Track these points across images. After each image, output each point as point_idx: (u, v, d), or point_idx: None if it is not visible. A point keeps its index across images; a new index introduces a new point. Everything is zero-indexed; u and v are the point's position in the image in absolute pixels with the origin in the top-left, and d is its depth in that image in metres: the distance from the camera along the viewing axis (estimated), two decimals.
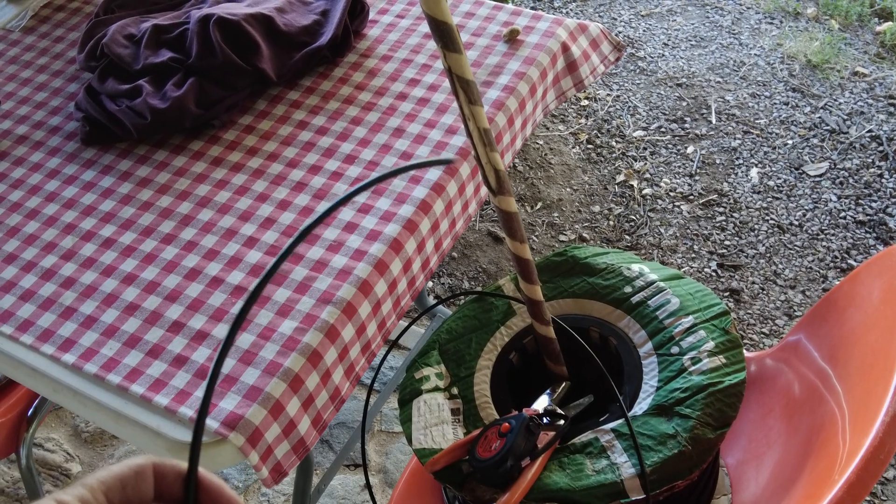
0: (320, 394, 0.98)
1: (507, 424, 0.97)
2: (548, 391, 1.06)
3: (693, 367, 1.00)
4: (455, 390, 1.08)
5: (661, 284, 1.11)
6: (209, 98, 1.23)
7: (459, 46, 0.82)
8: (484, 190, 1.21)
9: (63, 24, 1.48)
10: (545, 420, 1.00)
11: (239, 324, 0.46)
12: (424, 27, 1.36)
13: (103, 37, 1.30)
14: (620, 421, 0.99)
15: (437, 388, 1.09)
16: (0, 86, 1.37)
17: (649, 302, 1.09)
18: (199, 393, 0.94)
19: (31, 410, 1.39)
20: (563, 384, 1.07)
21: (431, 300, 2.15)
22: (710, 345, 1.02)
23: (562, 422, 1.00)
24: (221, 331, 0.99)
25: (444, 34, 0.81)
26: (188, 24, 1.28)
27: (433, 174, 1.13)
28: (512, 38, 1.30)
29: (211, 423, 0.91)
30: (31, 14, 1.50)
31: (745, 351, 1.15)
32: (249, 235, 1.09)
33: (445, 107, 1.22)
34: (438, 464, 0.99)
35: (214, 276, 1.05)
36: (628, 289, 1.12)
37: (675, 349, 1.04)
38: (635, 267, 1.14)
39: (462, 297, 2.16)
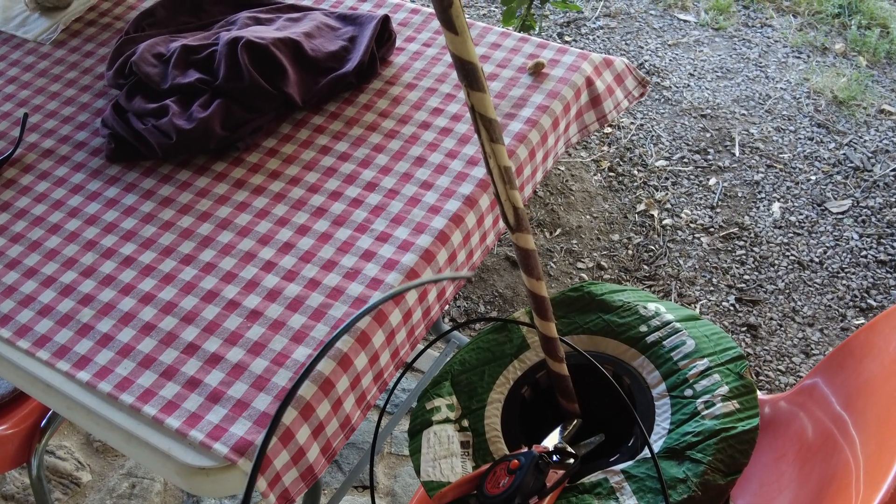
0: (331, 422, 0.98)
1: (516, 461, 0.97)
2: (559, 428, 1.05)
3: (706, 412, 1.00)
4: (466, 423, 1.08)
5: (677, 325, 1.10)
6: (234, 120, 1.24)
7: (483, 85, 0.82)
8: (502, 222, 1.21)
9: (93, 39, 1.50)
10: (555, 458, 0.99)
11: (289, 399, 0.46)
12: (450, 57, 1.36)
13: (132, 55, 1.31)
14: (630, 462, 0.99)
15: (447, 420, 1.09)
16: (28, 98, 1.39)
17: (664, 342, 1.09)
18: (211, 417, 0.94)
19: (44, 421, 1.40)
20: (575, 421, 1.07)
21: (446, 323, 2.15)
22: (725, 389, 1.01)
23: (571, 460, 0.99)
24: (236, 354, 1.00)
25: (468, 73, 0.81)
26: (217, 46, 1.29)
27: (452, 205, 1.13)
28: (536, 71, 1.30)
29: (220, 448, 0.91)
30: (62, 28, 1.52)
31: (759, 393, 1.15)
32: (267, 259, 1.10)
33: (467, 138, 1.23)
34: (446, 497, 0.99)
35: (231, 298, 1.06)
36: (644, 328, 1.11)
37: (688, 392, 1.03)
38: (652, 306, 1.14)
39: (478, 322, 2.16)
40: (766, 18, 3.07)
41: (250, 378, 0.97)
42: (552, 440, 1.03)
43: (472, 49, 0.80)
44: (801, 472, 1.10)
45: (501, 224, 1.21)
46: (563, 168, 2.57)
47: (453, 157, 1.20)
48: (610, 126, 2.70)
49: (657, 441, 1.00)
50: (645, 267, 2.28)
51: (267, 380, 0.97)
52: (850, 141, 2.58)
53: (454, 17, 0.78)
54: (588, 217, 2.43)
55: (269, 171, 1.22)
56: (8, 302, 1.08)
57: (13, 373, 1.04)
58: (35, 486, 1.46)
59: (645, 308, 1.13)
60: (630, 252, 2.32)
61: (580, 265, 2.30)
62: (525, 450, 0.99)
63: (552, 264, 2.30)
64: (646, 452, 0.99)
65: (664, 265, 2.28)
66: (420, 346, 1.58)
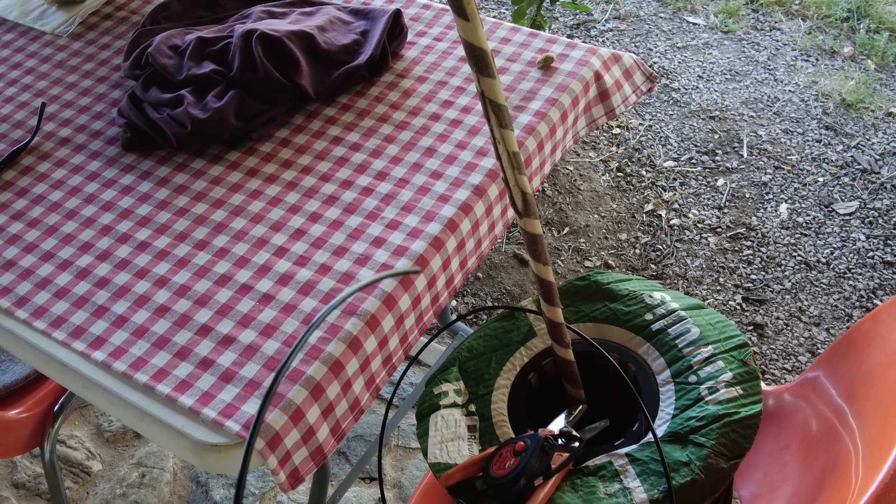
0: (340, 403, 1.00)
1: (522, 443, 0.98)
2: (564, 413, 1.07)
3: (710, 397, 1.01)
4: (472, 407, 1.10)
5: (682, 313, 1.12)
6: (248, 111, 1.26)
7: (493, 71, 0.84)
8: (511, 212, 1.23)
9: (110, 31, 1.52)
10: (560, 441, 1.01)
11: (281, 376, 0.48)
12: (460, 50, 1.38)
13: (148, 46, 1.34)
14: (635, 446, 1.00)
15: (455, 405, 1.10)
16: (46, 89, 1.41)
17: (669, 330, 1.10)
18: (224, 396, 0.96)
19: (57, 406, 1.43)
20: (580, 407, 1.08)
21: (454, 317, 2.17)
22: (728, 375, 1.03)
23: (576, 444, 1.01)
24: (248, 336, 1.02)
25: (479, 59, 0.83)
26: (231, 39, 1.32)
27: (461, 194, 1.15)
28: (546, 65, 1.32)
29: (232, 425, 0.93)
30: (79, 21, 1.55)
31: (764, 385, 1.16)
32: (280, 245, 1.12)
33: (477, 129, 1.25)
34: (453, 479, 1.01)
35: (244, 282, 1.08)
36: (649, 316, 1.13)
37: (692, 378, 1.05)
38: (657, 295, 1.16)
39: (483, 313, 2.17)
40: (775, 22, 3.08)
41: (262, 359, 0.99)
42: (557, 424, 1.05)
43: (482, 35, 0.82)
44: (804, 461, 1.11)
45: (510, 214, 1.23)
46: (571, 167, 2.58)
47: (463, 148, 1.22)
48: (618, 127, 2.71)
49: (661, 426, 1.01)
50: (652, 266, 2.30)
51: (278, 360, 0.99)
52: (858, 143, 2.59)
53: (465, 4, 0.80)
54: (596, 216, 2.44)
55: (282, 160, 1.24)
56: (25, 284, 1.10)
57: (30, 353, 1.06)
58: (48, 470, 1.49)
59: (650, 297, 1.15)
60: (637, 251, 2.34)
61: (588, 263, 2.31)
62: (531, 433, 1.01)
63: (560, 262, 2.32)
64: (650, 437, 1.00)
65: (671, 264, 2.29)
66: (426, 339, 1.59)
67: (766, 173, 2.51)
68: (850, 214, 2.39)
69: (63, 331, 1.05)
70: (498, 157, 0.90)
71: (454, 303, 2.23)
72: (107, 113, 1.35)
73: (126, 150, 1.29)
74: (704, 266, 2.28)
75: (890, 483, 0.83)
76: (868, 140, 2.59)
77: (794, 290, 2.21)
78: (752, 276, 2.25)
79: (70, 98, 1.39)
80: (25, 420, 1.39)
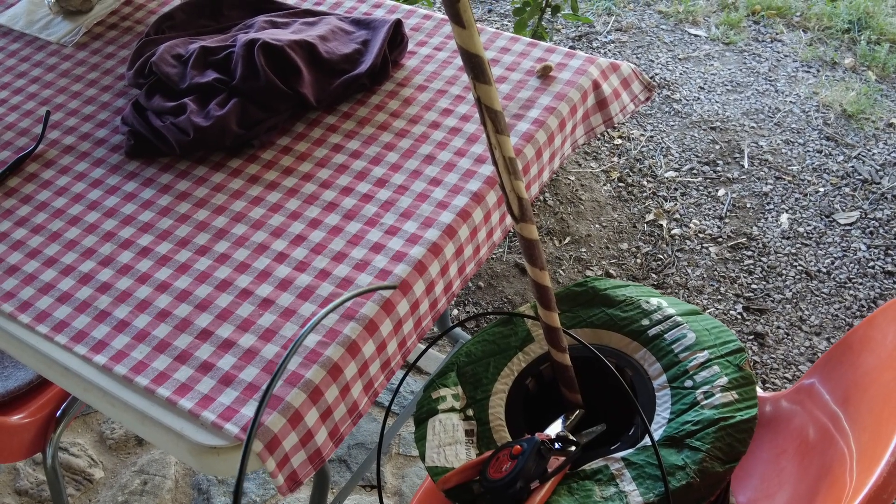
0: (338, 407, 1.01)
1: (518, 447, 0.99)
2: (561, 418, 1.08)
3: (705, 402, 1.02)
4: (470, 412, 1.11)
5: (679, 319, 1.13)
6: (250, 119, 1.27)
7: (489, 78, 0.86)
8: (510, 219, 1.24)
9: (114, 41, 1.54)
10: (557, 445, 1.02)
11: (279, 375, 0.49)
12: (460, 60, 1.40)
13: (152, 55, 1.36)
14: (631, 450, 1.01)
15: (452, 409, 1.11)
16: (50, 98, 1.43)
17: (666, 335, 1.11)
18: (223, 399, 0.97)
19: (59, 412, 1.44)
20: (577, 412, 1.09)
21: (453, 323, 2.18)
22: (724, 380, 1.04)
23: (573, 448, 1.02)
24: (248, 340, 1.03)
25: (475, 66, 0.85)
26: (234, 48, 1.33)
27: (460, 201, 1.16)
28: (545, 74, 1.33)
29: (231, 428, 0.94)
30: (84, 30, 1.57)
31: (761, 391, 1.17)
32: (280, 251, 1.13)
33: (476, 137, 1.26)
34: (450, 482, 1.02)
35: (244, 287, 1.09)
36: (646, 321, 1.14)
37: (688, 383, 1.05)
38: (654, 301, 1.16)
39: (482, 319, 2.18)
40: (777, 33, 3.10)
41: (261, 362, 1.01)
42: (554, 429, 1.05)
43: (478, 42, 0.84)
44: (800, 466, 1.12)
45: (508, 221, 1.24)
46: (573, 177, 2.60)
47: (462, 156, 1.23)
48: (620, 137, 2.73)
49: (657, 430, 1.02)
50: (653, 275, 2.30)
51: (276, 364, 1.00)
52: (859, 154, 2.60)
53: (462, 11, 0.81)
54: (597, 226, 2.45)
55: (283, 167, 1.26)
56: (28, 289, 1.12)
57: (32, 357, 1.07)
58: (49, 476, 1.50)
59: (647, 302, 1.16)
60: (638, 261, 2.35)
61: (589, 273, 2.32)
62: (528, 437, 1.02)
63: (561, 272, 2.33)
64: (646, 441, 1.01)
65: (672, 274, 2.30)
66: (426, 345, 1.60)
67: (766, 183, 2.52)
68: (850, 224, 2.40)
69: (65, 335, 1.06)
70: (494, 162, 0.91)
71: (455, 311, 2.24)
72: (111, 121, 1.37)
73: (129, 157, 1.30)
74: (705, 276, 2.29)
75: (883, 485, 0.83)
76: (869, 150, 2.60)
77: (794, 300, 2.22)
78: (753, 286, 2.26)
79: (74, 106, 1.41)
80: (28, 425, 1.40)
